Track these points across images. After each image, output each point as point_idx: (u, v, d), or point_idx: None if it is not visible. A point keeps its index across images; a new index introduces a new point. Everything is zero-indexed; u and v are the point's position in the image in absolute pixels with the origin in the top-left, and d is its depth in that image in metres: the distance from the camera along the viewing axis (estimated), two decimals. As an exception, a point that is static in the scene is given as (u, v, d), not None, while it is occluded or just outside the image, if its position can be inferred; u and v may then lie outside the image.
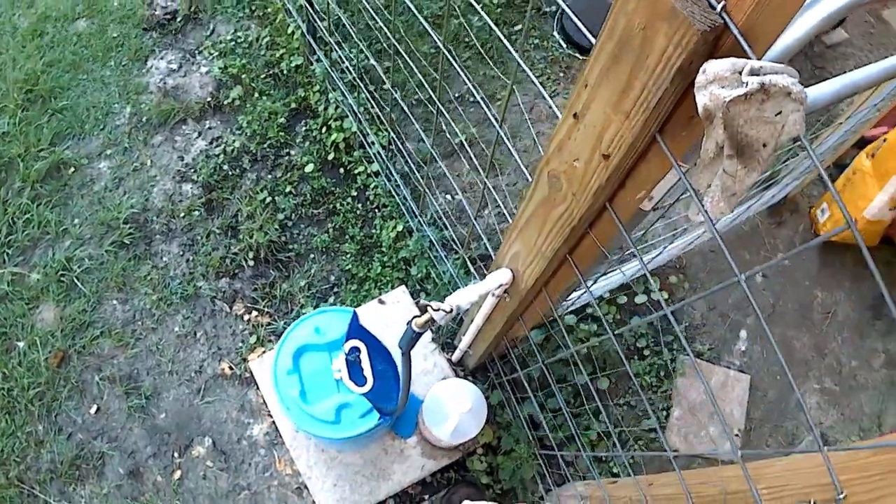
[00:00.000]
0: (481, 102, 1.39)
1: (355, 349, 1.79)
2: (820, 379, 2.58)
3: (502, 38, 1.00)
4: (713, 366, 2.53)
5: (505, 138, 1.33)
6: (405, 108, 1.94)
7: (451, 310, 1.42)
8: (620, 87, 0.80)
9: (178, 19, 3.12)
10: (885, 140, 2.52)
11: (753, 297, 2.53)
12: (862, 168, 2.58)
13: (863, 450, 0.77)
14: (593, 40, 0.82)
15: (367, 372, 1.77)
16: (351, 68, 2.46)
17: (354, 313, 1.79)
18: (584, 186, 1.00)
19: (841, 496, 0.75)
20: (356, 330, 1.81)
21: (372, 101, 2.50)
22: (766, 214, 2.82)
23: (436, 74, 2.77)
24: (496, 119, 1.31)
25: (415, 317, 1.47)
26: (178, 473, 2.30)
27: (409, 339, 1.53)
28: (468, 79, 1.40)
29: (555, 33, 3.28)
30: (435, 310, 1.41)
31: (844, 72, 1.21)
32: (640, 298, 2.50)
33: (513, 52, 1.10)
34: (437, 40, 1.39)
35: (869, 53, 3.38)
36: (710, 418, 2.45)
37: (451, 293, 1.47)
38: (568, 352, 1.49)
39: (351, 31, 2.40)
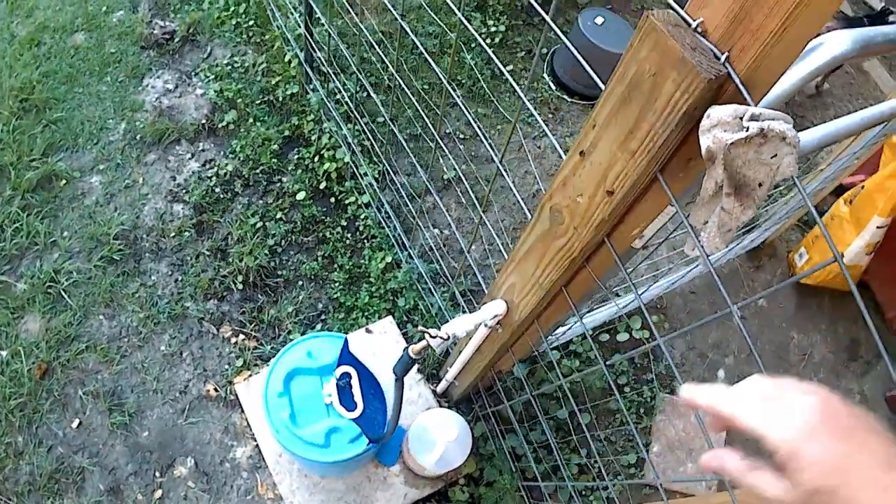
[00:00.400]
0: (482, 138, 1.43)
1: (347, 374, 1.81)
2: (796, 420, 2.62)
3: (506, 73, 1.04)
4: (692, 404, 2.57)
5: (504, 174, 1.37)
6: (402, 141, 1.98)
7: (448, 337, 1.45)
8: (628, 128, 0.85)
9: (176, 40, 3.16)
10: (862, 187, 2.61)
11: (730, 338, 2.57)
12: (839, 214, 2.67)
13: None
14: (582, 85, 0.87)
15: (358, 398, 1.79)
16: (348, 100, 2.51)
17: (346, 340, 1.82)
18: (586, 220, 1.05)
19: None
20: (348, 356, 1.84)
21: (366, 133, 2.54)
22: (745, 258, 2.90)
23: (435, 108, 2.83)
24: (496, 154, 1.36)
25: (411, 344, 1.51)
26: (158, 493, 2.28)
27: (405, 365, 1.56)
28: (469, 112, 1.44)
29: (545, 75, 3.36)
30: (432, 337, 1.44)
31: (824, 121, 1.27)
32: (623, 336, 2.55)
33: (517, 88, 1.15)
34: (440, 74, 1.44)
35: (848, 103, 3.51)
36: (689, 455, 2.49)
37: (437, 325, 1.51)
38: (555, 384, 1.53)
39: (350, 62, 2.45)
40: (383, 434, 1.79)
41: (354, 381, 1.80)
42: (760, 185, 0.75)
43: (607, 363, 2.56)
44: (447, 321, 1.51)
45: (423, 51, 1.46)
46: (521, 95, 1.13)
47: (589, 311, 2.46)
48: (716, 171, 0.75)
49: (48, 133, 2.90)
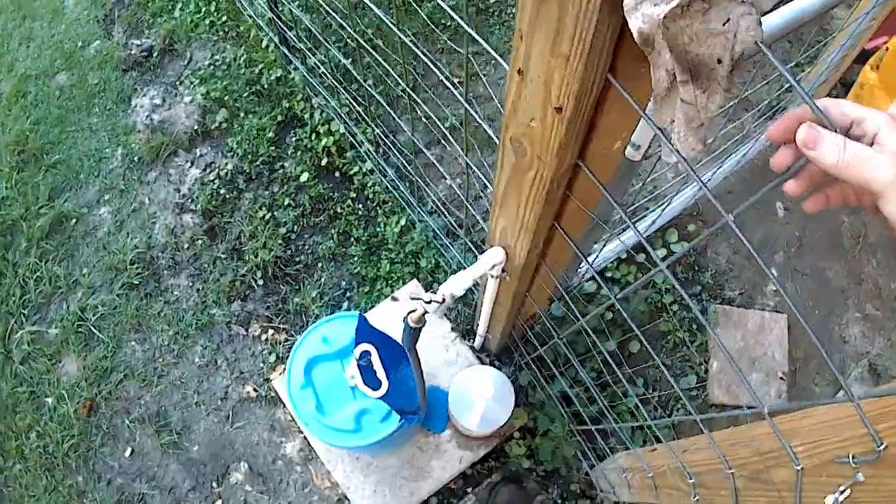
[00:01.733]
0: (446, 83, 1.32)
1: (366, 353, 1.73)
2: (860, 306, 2.46)
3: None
4: (746, 310, 2.43)
5: (473, 112, 1.26)
6: (382, 102, 1.88)
7: (444, 299, 1.35)
8: (553, 29, 0.72)
9: (155, 54, 3.10)
10: (886, 49, 2.39)
11: (777, 233, 2.41)
12: (868, 81, 2.46)
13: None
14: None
15: (381, 374, 1.71)
16: (326, 72, 2.41)
17: (361, 316, 1.73)
18: (546, 146, 0.92)
19: (881, 448, 0.67)
20: (365, 333, 1.75)
21: (353, 101, 2.45)
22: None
23: (416, 61, 2.72)
24: (462, 95, 1.24)
25: (410, 312, 1.41)
26: (219, 503, 2.28)
27: (409, 336, 1.46)
28: (431, 61, 1.33)
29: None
30: (427, 302, 1.34)
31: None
32: (661, 252, 2.41)
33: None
34: (391, 25, 1.33)
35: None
36: (752, 365, 2.35)
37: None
38: (580, 322, 1.40)
39: (318, 34, 2.35)
40: (417, 406, 1.71)
41: (375, 358, 1.72)
42: (720, 61, 0.61)
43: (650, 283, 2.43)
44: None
45: (374, 7, 1.35)
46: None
47: (621, 231, 2.34)
48: (661, 56, 0.62)
49: (50, 177, 2.90)
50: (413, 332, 1.44)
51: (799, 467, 0.83)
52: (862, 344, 2.41)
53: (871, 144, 0.58)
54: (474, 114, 1.26)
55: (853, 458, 0.73)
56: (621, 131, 0.96)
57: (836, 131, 0.59)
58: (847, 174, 0.57)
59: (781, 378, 2.34)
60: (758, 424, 0.96)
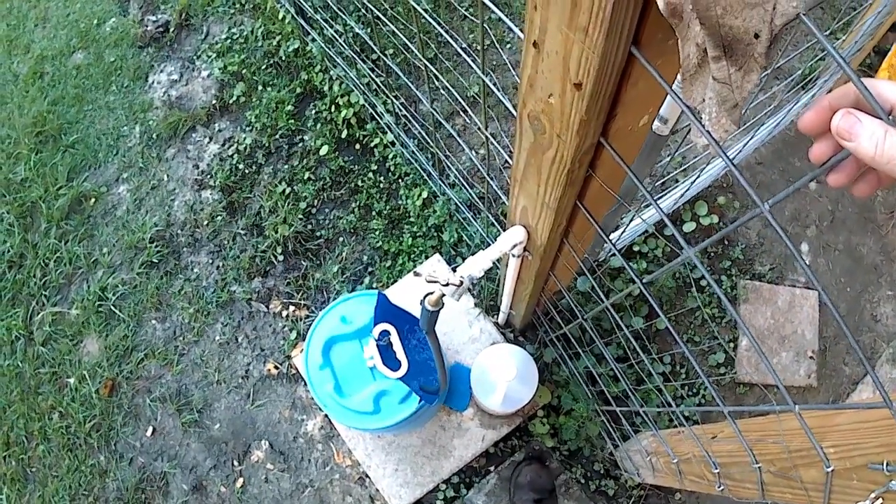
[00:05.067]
0: (462, 53, 1.27)
1: (385, 333, 1.69)
2: (893, 284, 2.38)
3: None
4: (777, 287, 2.36)
5: (490, 85, 1.20)
6: (400, 73, 1.82)
7: (461, 282, 1.29)
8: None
9: (171, 30, 3.06)
10: (924, 17, 2.29)
11: (809, 207, 2.33)
12: (904, 51, 2.36)
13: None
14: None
15: (400, 355, 1.67)
16: (344, 43, 2.36)
17: (380, 295, 1.69)
18: (565, 124, 0.85)
19: None
20: (384, 312, 1.71)
21: (372, 72, 2.39)
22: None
23: (438, 30, 2.65)
24: (479, 67, 1.18)
25: (427, 295, 1.36)
26: (240, 481, 2.27)
27: (427, 319, 1.41)
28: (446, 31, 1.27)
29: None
30: (444, 285, 1.29)
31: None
32: (689, 226, 2.34)
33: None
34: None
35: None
36: (782, 343, 2.28)
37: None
38: (605, 304, 1.35)
39: (334, 5, 2.29)
40: (438, 386, 1.67)
41: (395, 338, 1.68)
42: (757, 36, 0.54)
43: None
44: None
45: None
46: None
47: (648, 205, 2.27)
48: (691, 29, 0.54)
49: (68, 157, 2.88)
50: (431, 315, 1.40)
51: (829, 469, 0.79)
52: (894, 323, 2.34)
53: None
54: (491, 86, 1.20)
55: (888, 465, 0.68)
56: (648, 106, 0.89)
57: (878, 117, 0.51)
58: (889, 169, 0.50)
59: (811, 357, 2.28)
60: (788, 418, 0.91)
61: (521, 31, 0.81)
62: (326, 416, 2.28)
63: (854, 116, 0.52)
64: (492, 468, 2.18)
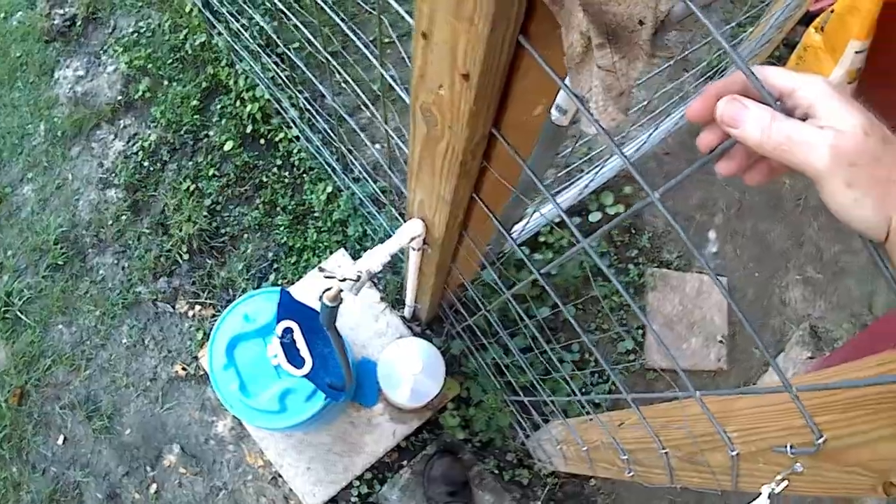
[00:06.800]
0: (362, 48, 1.24)
1: (288, 330, 1.66)
2: (801, 268, 2.43)
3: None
4: (685, 273, 2.39)
5: (387, 76, 1.18)
6: (303, 67, 1.79)
7: (359, 276, 1.27)
8: None
9: (78, 23, 2.96)
10: (832, 11, 2.33)
11: (717, 195, 2.36)
12: (812, 44, 2.39)
13: (843, 388, 0.63)
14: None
15: (304, 352, 1.65)
16: (248, 37, 2.31)
17: (283, 292, 1.66)
18: (455, 115, 0.84)
19: (820, 440, 0.63)
20: (287, 309, 1.68)
21: (276, 66, 2.35)
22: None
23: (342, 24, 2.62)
24: (376, 58, 1.16)
25: (325, 290, 1.33)
26: (153, 487, 2.23)
27: (327, 315, 1.39)
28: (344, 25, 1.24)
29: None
30: (341, 280, 1.26)
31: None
32: (595, 216, 2.35)
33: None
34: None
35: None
36: (691, 329, 2.31)
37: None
38: (506, 295, 1.34)
39: (239, -3, 2.24)
40: (343, 383, 1.65)
41: (298, 336, 1.65)
42: (642, 23, 0.53)
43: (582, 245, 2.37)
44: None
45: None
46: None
47: (556, 194, 2.27)
48: (573, 17, 0.53)
49: (-28, 158, 2.77)
50: (330, 311, 1.37)
51: (734, 453, 0.80)
52: (803, 307, 2.39)
53: (805, 119, 0.49)
54: (391, 80, 1.18)
55: (791, 448, 0.69)
56: (541, 97, 0.88)
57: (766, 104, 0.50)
58: (777, 156, 0.49)
59: (721, 341, 2.32)
60: (691, 404, 0.91)
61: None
62: (235, 416, 2.24)
63: (739, 102, 0.51)
64: (404, 463, 2.17)
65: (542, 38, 0.69)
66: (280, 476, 2.16)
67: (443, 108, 0.85)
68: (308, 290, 2.20)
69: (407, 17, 0.92)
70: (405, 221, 1.38)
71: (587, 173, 2.25)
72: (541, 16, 0.65)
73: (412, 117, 0.98)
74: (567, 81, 0.64)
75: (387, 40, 2.58)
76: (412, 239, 1.35)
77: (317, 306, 1.68)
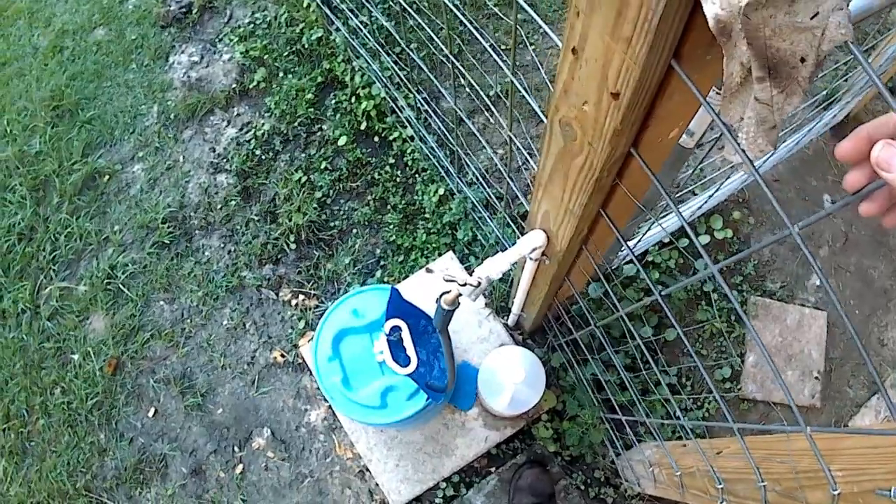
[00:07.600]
0: (489, 50, 1.27)
1: (396, 328, 1.70)
2: (903, 308, 2.38)
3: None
4: (787, 304, 2.36)
5: (518, 85, 1.20)
6: (424, 68, 1.82)
7: (479, 283, 1.29)
8: (616, 9, 0.64)
9: (194, 11, 3.05)
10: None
11: (823, 227, 2.32)
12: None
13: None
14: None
15: (410, 351, 1.68)
16: (368, 34, 2.36)
17: (393, 290, 1.69)
18: (598, 133, 0.85)
19: None
20: (396, 308, 1.71)
21: (395, 65, 2.39)
22: (829, 136, 2.61)
23: (461, 26, 2.64)
24: (508, 66, 1.18)
25: (443, 293, 1.36)
26: (240, 467, 2.27)
27: (441, 318, 1.41)
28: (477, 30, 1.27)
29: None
30: (462, 284, 1.29)
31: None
32: (704, 239, 2.34)
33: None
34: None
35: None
36: (788, 362, 2.28)
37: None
38: (620, 314, 1.34)
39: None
40: (445, 385, 1.67)
41: (405, 334, 1.69)
42: (803, 60, 0.53)
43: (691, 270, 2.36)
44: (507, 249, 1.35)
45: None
46: None
47: (663, 215, 2.27)
48: (737, 48, 0.54)
49: (84, 133, 2.87)
50: (446, 314, 1.40)
51: (836, 492, 0.79)
52: (903, 348, 2.34)
53: None
54: (519, 86, 1.20)
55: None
56: (679, 119, 0.89)
57: None
58: None
59: (816, 377, 2.28)
60: (796, 438, 0.91)
61: (557, 35, 0.80)
62: (330, 407, 2.28)
63: (894, 148, 0.52)
64: (493, 469, 2.18)
65: (692, 63, 0.70)
66: (367, 470, 2.18)
67: (585, 124, 0.87)
68: (414, 290, 2.23)
69: (546, 28, 0.93)
70: (520, 229, 1.39)
71: (699, 196, 2.24)
72: (693, 41, 0.66)
73: (548, 129, 0.99)
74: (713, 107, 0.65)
75: (504, 48, 2.61)
76: (533, 249, 1.36)
77: (423, 306, 1.72)
